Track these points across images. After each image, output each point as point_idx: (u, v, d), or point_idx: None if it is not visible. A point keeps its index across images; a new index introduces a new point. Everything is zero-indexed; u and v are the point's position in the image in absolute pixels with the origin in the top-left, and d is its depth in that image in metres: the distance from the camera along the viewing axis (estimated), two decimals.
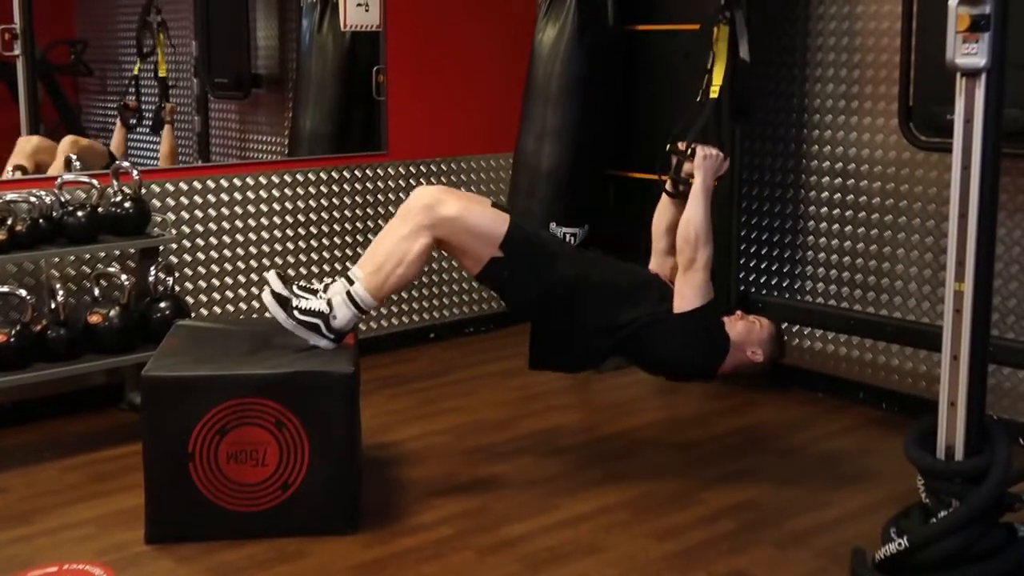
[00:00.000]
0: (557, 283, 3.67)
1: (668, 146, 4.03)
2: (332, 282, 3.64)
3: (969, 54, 2.71)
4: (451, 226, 3.57)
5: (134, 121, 5.41)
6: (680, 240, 3.72)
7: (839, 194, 4.62)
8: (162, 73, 5.40)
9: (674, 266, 3.87)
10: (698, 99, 4.31)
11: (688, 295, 3.68)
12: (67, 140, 4.86)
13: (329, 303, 3.53)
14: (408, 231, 3.56)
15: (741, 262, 4.85)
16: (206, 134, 5.61)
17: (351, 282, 3.57)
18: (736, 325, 3.80)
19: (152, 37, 5.39)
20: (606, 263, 3.85)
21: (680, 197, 3.94)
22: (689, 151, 3.91)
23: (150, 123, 5.41)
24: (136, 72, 5.42)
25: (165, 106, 5.37)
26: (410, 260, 3.56)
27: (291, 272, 5.03)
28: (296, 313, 3.50)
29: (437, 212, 3.56)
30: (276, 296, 3.51)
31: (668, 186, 4.02)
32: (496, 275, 3.68)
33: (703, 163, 3.81)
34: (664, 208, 4.05)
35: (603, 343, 3.76)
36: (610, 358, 4.00)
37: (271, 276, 3.57)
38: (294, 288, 3.57)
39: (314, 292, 3.57)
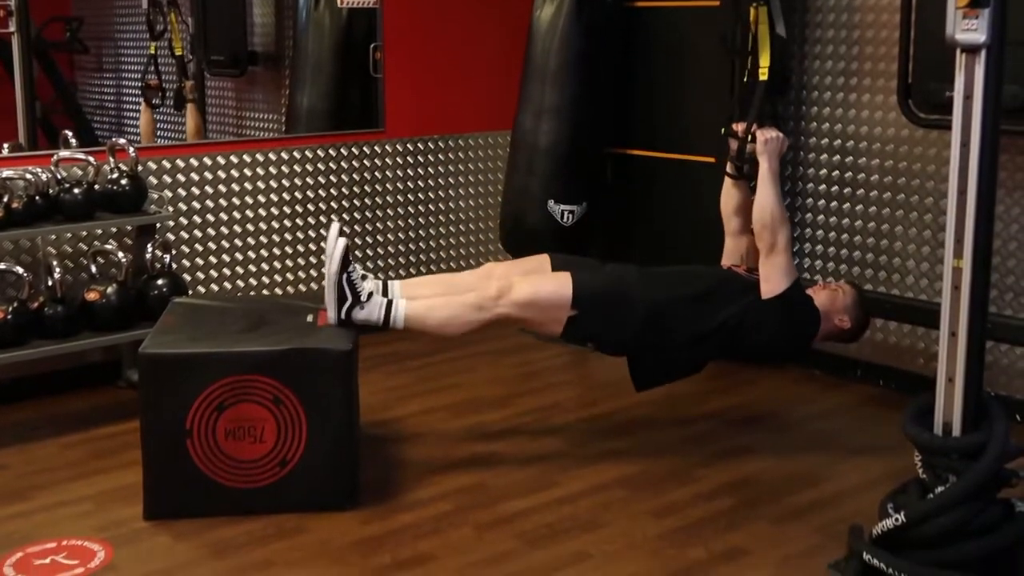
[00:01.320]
0: (639, 316, 3.71)
1: (723, 130, 4.09)
2: (368, 277, 3.67)
3: (969, 30, 2.69)
4: (527, 310, 3.66)
5: (158, 101, 5.40)
6: (757, 226, 3.78)
7: (838, 171, 4.62)
8: (178, 51, 5.37)
9: (749, 245, 3.96)
10: (744, 80, 4.30)
11: (774, 279, 3.73)
12: None
13: (369, 295, 3.55)
14: (478, 302, 3.63)
15: None
16: (203, 111, 5.58)
17: (388, 292, 3.66)
18: (820, 295, 3.85)
19: (163, 15, 5.37)
20: (677, 275, 3.87)
21: (743, 178, 4.03)
22: (749, 135, 3.96)
23: (172, 102, 5.40)
24: (153, 51, 5.40)
25: (185, 84, 5.36)
26: (461, 324, 3.65)
27: (288, 249, 5.02)
28: (346, 277, 3.51)
29: (511, 298, 3.63)
30: (346, 250, 3.52)
31: (730, 169, 4.07)
32: (580, 332, 3.76)
33: (765, 147, 3.87)
34: (728, 190, 4.11)
35: (702, 351, 3.82)
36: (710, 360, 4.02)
37: (335, 227, 3.61)
38: (363, 273, 3.62)
39: (363, 276, 3.61)
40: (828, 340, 3.94)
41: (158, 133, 5.46)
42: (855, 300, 3.88)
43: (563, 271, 3.78)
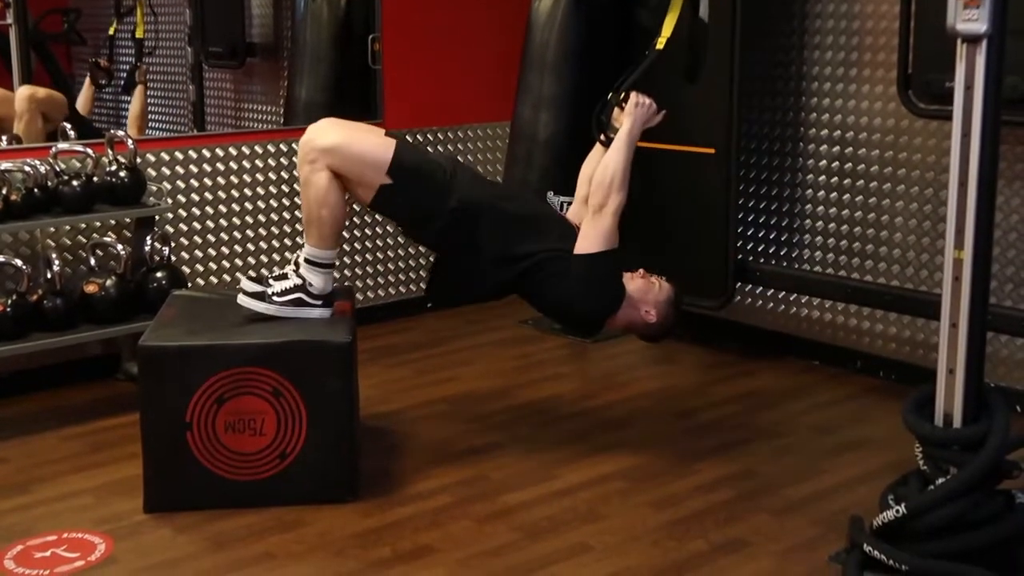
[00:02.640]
0: (451, 209, 3.58)
1: (610, 96, 3.98)
2: (287, 267, 3.65)
3: (970, 20, 2.68)
4: (335, 155, 3.49)
5: (104, 81, 5.35)
6: (595, 183, 3.65)
7: (837, 162, 4.61)
8: (139, 34, 5.33)
9: None
10: (646, 52, 4.27)
11: (592, 238, 3.61)
12: (23, 90, 4.78)
13: (299, 275, 3.54)
14: (306, 173, 3.52)
15: (738, 231, 4.84)
16: (201, 103, 5.57)
17: (302, 248, 3.59)
18: (635, 281, 3.72)
19: None
20: (507, 192, 3.78)
21: (609, 144, 3.86)
22: (623, 98, 3.85)
23: (122, 83, 5.36)
24: (112, 32, 5.36)
25: (139, 66, 5.31)
26: (322, 196, 3.49)
27: (288, 242, 5.01)
28: (275, 298, 3.51)
29: (318, 143, 3.50)
30: (251, 295, 3.51)
31: (601, 135, 3.96)
32: (388, 203, 3.61)
33: (633, 110, 3.76)
34: (595, 156, 3.97)
35: (501, 274, 3.67)
36: (507, 293, 3.86)
37: (244, 281, 3.58)
38: (269, 280, 3.57)
39: (284, 275, 3.57)
40: (630, 330, 3.81)
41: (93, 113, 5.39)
42: (668, 298, 3.75)
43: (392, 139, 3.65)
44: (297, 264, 3.58)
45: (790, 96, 4.71)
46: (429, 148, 5.41)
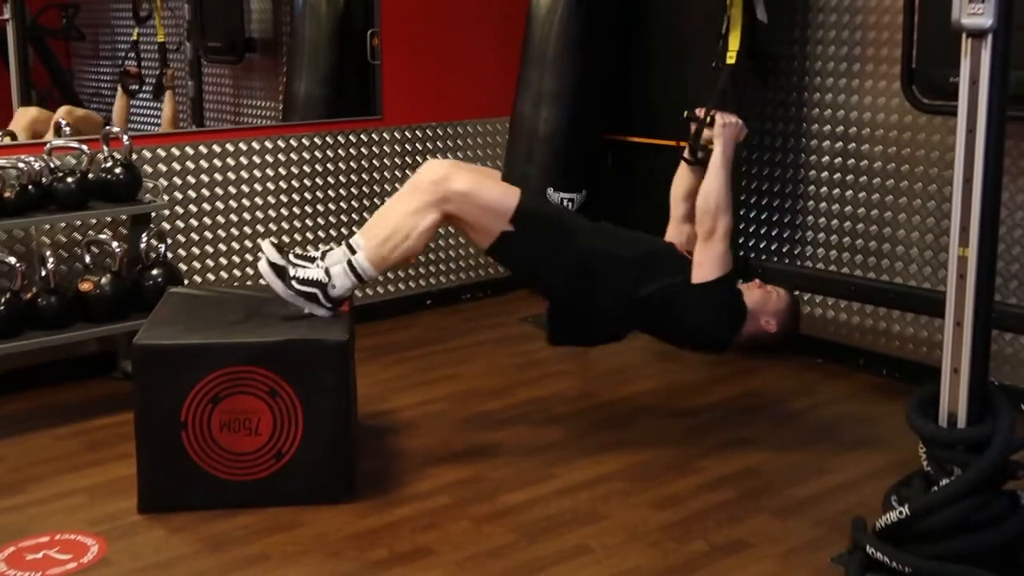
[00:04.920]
0: (571, 257, 3.62)
1: (685, 113, 4.00)
2: (330, 250, 3.59)
3: (975, 14, 2.64)
4: (461, 201, 3.51)
5: (135, 87, 5.35)
6: (699, 210, 3.70)
7: (840, 158, 4.57)
8: (160, 38, 5.33)
9: (691, 234, 3.83)
10: (714, 65, 4.25)
11: (707, 266, 3.65)
12: (63, 110, 4.79)
13: (328, 272, 3.48)
14: (417, 206, 3.50)
15: (741, 227, 4.80)
16: (199, 99, 5.54)
17: (352, 251, 3.52)
18: (753, 293, 3.77)
19: (149, 1, 5.32)
20: (620, 235, 3.78)
21: (698, 164, 3.92)
22: (708, 118, 3.87)
23: (151, 89, 5.35)
24: (135, 38, 5.35)
25: (166, 72, 5.31)
26: (416, 235, 3.51)
27: (285, 239, 4.98)
28: (294, 283, 3.45)
29: (447, 187, 3.50)
30: (273, 266, 3.46)
31: (686, 153, 3.99)
32: (507, 250, 3.63)
33: (722, 131, 3.79)
34: (682, 175, 4.01)
35: (622, 316, 3.72)
36: (630, 332, 3.91)
37: (266, 246, 3.52)
38: (290, 257, 3.52)
39: (311, 260, 3.53)
40: (752, 342, 3.82)
41: (132, 120, 5.39)
42: (787, 306, 3.79)
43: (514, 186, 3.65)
44: (325, 255, 3.53)
45: (792, 91, 4.67)
46: (428, 144, 5.38)
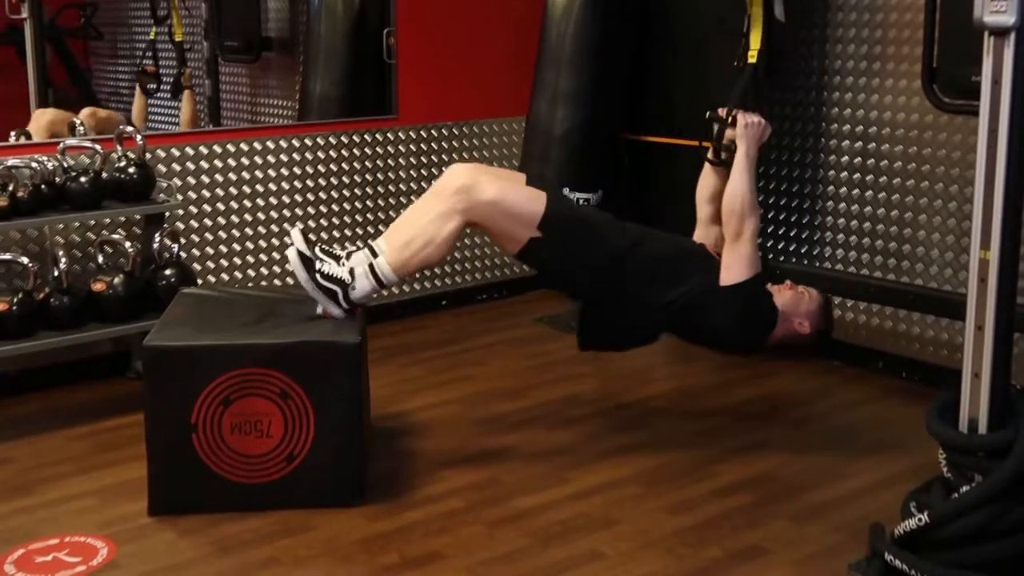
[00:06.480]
0: (600, 260, 3.59)
1: (708, 113, 3.97)
2: (355, 251, 3.56)
3: (998, 12, 2.60)
4: (487, 209, 3.48)
5: (153, 87, 5.35)
6: (725, 212, 3.68)
7: (860, 158, 4.51)
8: (178, 37, 5.33)
9: (719, 235, 3.81)
10: (735, 64, 4.20)
11: (735, 267, 3.63)
12: (85, 112, 4.78)
13: (351, 272, 3.45)
14: (441, 211, 3.47)
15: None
16: (216, 98, 5.53)
17: (375, 254, 3.49)
18: (784, 294, 3.75)
19: (166, 0, 5.32)
20: (649, 236, 3.74)
21: (722, 165, 3.90)
22: (730, 118, 3.84)
23: (169, 89, 5.34)
24: (152, 37, 5.35)
25: (183, 71, 5.31)
26: (439, 241, 3.47)
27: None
28: (318, 277, 3.42)
29: (473, 195, 3.47)
30: (301, 256, 3.43)
31: (710, 154, 3.96)
32: (536, 255, 3.60)
33: (745, 131, 3.76)
34: (707, 176, 3.99)
35: (652, 319, 3.70)
36: (660, 334, 3.88)
37: (296, 234, 3.49)
38: (317, 250, 3.49)
39: (336, 258, 3.50)
40: (785, 343, 3.80)
41: (151, 120, 5.39)
42: (820, 307, 3.78)
43: (539, 190, 3.62)
44: (350, 255, 3.50)
45: (812, 91, 4.62)
46: (444, 144, 5.34)
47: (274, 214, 4.88)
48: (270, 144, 4.86)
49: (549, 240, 3.52)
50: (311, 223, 4.98)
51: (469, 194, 3.47)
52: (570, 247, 3.57)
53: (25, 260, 3.98)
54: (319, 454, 3.31)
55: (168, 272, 4.21)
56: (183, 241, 4.53)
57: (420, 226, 3.49)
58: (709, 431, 3.98)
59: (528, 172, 4.88)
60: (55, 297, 3.99)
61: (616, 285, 3.62)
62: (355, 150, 5.10)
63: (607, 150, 4.98)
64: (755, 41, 4.13)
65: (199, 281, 4.48)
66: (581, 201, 4.79)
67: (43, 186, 4.01)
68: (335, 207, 5.05)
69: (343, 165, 5.07)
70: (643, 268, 3.62)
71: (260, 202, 4.84)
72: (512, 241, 3.56)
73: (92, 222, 4.31)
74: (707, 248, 3.82)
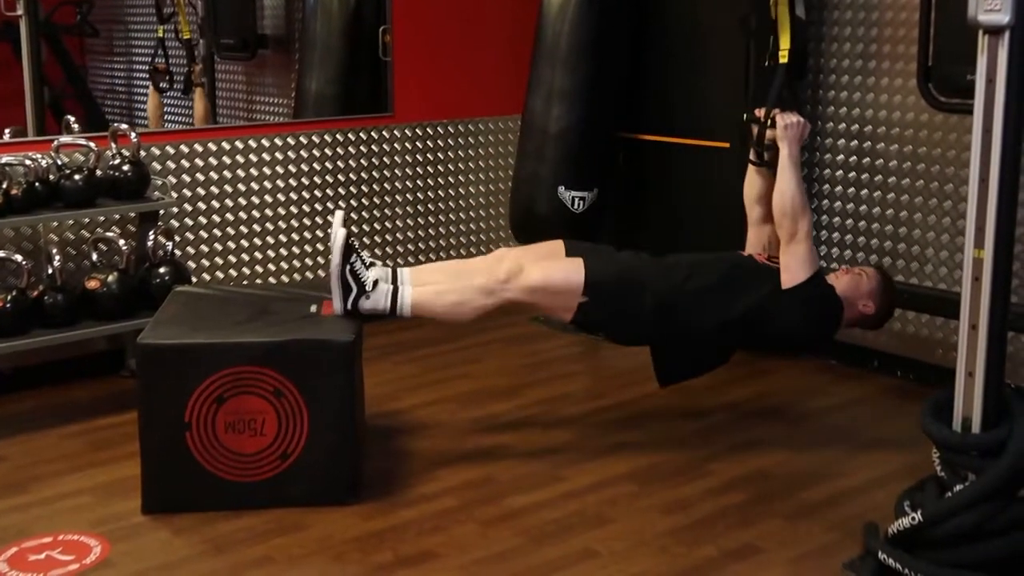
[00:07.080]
0: (650, 311, 3.63)
1: (745, 115, 3.99)
2: (377, 264, 3.59)
3: (992, 10, 2.59)
4: (534, 295, 3.60)
5: (165, 84, 5.36)
6: (777, 214, 3.70)
7: (855, 156, 4.51)
8: (185, 35, 5.34)
9: (772, 234, 3.84)
10: (766, 64, 4.20)
11: (795, 268, 3.65)
12: None
13: (375, 284, 3.48)
14: (486, 286, 3.56)
15: None
16: (212, 95, 5.53)
17: (396, 280, 3.55)
18: (842, 280, 3.76)
19: None
20: (696, 266, 3.75)
21: (765, 166, 3.91)
22: (769, 120, 3.86)
23: (180, 86, 5.35)
24: (160, 35, 5.36)
25: (193, 68, 5.32)
26: (469, 310, 3.58)
27: (295, 236, 4.95)
28: (349, 268, 3.44)
29: (518, 283, 3.56)
30: (348, 242, 3.46)
31: (752, 156, 3.97)
32: (588, 319, 3.68)
33: (786, 133, 3.76)
34: (751, 179, 4.00)
35: (723, 341, 3.76)
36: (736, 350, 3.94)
37: (338, 216, 3.55)
38: (356, 244, 3.54)
39: (367, 265, 3.53)
40: (853, 327, 3.84)
41: (165, 118, 5.41)
42: (880, 284, 3.78)
43: (576, 257, 3.69)
44: (370, 266, 3.53)
45: (807, 89, 4.62)
46: (439, 142, 5.34)
47: (269, 212, 4.88)
48: (265, 142, 4.85)
49: (596, 303, 3.60)
50: (306, 220, 4.97)
51: (514, 282, 3.56)
52: (619, 305, 3.63)
53: (19, 258, 3.96)
54: (313, 452, 3.30)
55: (162, 270, 4.20)
56: (177, 239, 4.52)
57: (462, 285, 3.57)
58: (703, 430, 3.97)
59: (523, 170, 4.92)
60: (49, 295, 3.98)
61: (675, 327, 3.68)
62: (351, 148, 5.09)
63: (602, 148, 4.97)
64: (784, 40, 4.11)
65: (193, 279, 4.48)
66: (576, 200, 4.79)
67: (37, 184, 4.00)
68: (330, 204, 5.04)
69: (339, 163, 5.06)
70: (696, 303, 3.66)
71: (255, 200, 4.83)
72: (565, 311, 3.64)
73: (86, 220, 4.31)
74: (755, 258, 3.84)
